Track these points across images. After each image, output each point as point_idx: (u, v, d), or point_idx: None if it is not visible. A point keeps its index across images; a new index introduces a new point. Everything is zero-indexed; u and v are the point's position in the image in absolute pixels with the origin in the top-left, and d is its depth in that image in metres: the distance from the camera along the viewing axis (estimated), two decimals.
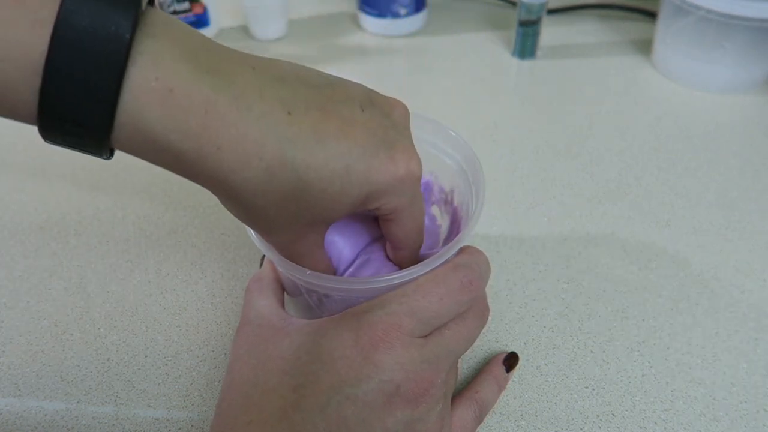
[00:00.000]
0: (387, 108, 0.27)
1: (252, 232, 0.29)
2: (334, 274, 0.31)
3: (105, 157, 0.23)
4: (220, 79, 0.22)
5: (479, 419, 0.31)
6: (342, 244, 0.31)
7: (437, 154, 0.35)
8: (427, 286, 0.27)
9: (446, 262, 0.28)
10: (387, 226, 0.28)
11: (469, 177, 0.33)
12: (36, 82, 0.20)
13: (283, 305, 0.31)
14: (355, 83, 0.27)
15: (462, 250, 0.29)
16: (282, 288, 0.32)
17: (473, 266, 0.28)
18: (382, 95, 0.27)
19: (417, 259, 0.31)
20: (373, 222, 0.32)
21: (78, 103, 0.20)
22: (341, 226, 0.31)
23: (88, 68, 0.20)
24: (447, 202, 0.36)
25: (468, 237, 0.29)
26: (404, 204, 0.27)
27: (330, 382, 0.25)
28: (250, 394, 0.26)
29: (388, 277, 0.27)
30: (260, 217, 0.24)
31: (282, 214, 0.24)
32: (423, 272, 0.27)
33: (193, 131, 0.21)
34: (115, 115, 0.21)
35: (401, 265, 0.31)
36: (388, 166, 0.25)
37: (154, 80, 0.20)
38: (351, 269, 0.31)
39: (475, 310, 0.29)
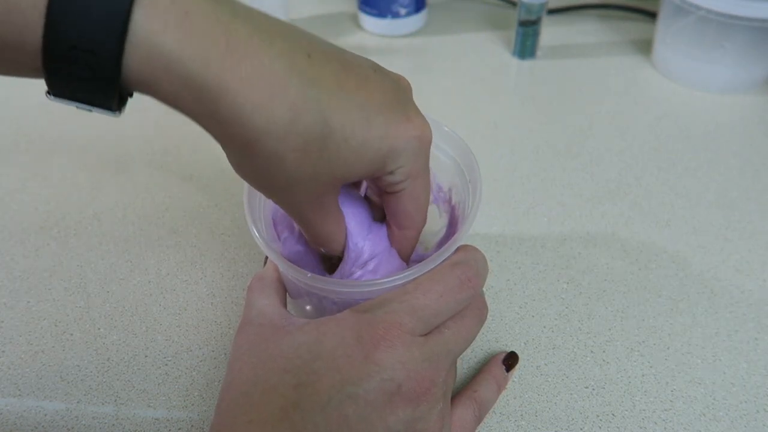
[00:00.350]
0: (394, 76, 0.27)
1: (255, 232, 0.29)
2: (346, 244, 0.30)
3: (114, 105, 0.21)
4: (238, 10, 0.21)
5: (479, 419, 0.31)
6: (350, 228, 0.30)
7: (434, 152, 0.35)
8: (426, 284, 0.27)
9: (445, 260, 0.28)
10: (395, 201, 0.28)
11: (467, 175, 0.33)
12: (41, 2, 0.18)
13: (284, 305, 0.31)
14: (386, 73, 0.27)
15: (459, 248, 0.29)
16: (284, 288, 0.32)
17: (471, 264, 0.28)
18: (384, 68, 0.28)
19: (417, 242, 0.31)
20: (371, 209, 0.32)
21: (86, 22, 0.19)
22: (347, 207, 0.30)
23: None
24: (445, 200, 0.36)
25: (465, 235, 0.29)
26: (418, 169, 0.26)
27: (331, 381, 0.25)
28: (251, 393, 0.26)
29: (387, 279, 0.27)
30: (277, 170, 0.23)
31: (301, 167, 0.23)
32: (422, 272, 0.27)
33: (215, 60, 0.20)
34: (127, 34, 0.19)
35: (404, 249, 0.31)
36: (406, 125, 0.25)
37: (168, 0, 0.19)
38: (360, 272, 0.30)
39: (473, 309, 0.29)
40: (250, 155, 0.22)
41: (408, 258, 0.32)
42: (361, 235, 0.30)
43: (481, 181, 0.31)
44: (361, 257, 0.30)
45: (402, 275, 0.27)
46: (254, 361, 0.27)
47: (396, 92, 0.26)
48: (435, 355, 0.26)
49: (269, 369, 0.26)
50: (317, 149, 0.22)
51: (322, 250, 0.30)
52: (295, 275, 0.27)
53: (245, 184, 0.31)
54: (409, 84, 0.28)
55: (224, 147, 0.23)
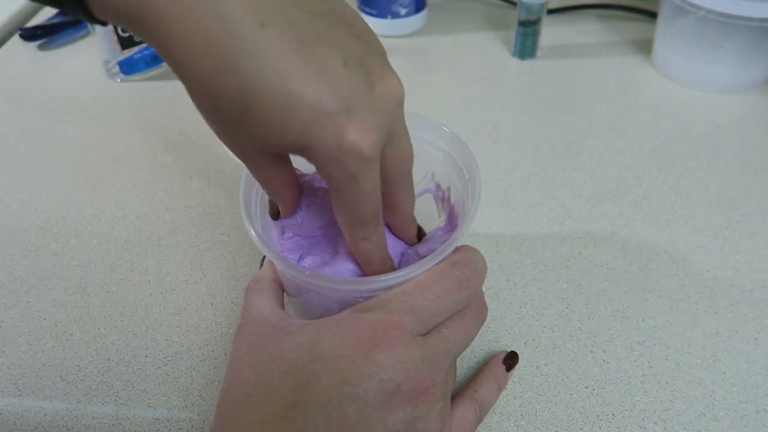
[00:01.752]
0: (377, 78, 0.24)
1: (252, 231, 0.29)
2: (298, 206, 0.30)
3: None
4: None
5: (479, 418, 0.31)
6: None
7: (433, 152, 0.35)
8: (424, 284, 0.27)
9: (443, 260, 0.28)
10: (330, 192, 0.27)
11: (466, 174, 0.33)
12: None
13: (283, 306, 0.30)
14: (365, 29, 0.25)
15: (458, 248, 0.29)
16: (282, 288, 0.32)
17: (470, 263, 0.28)
18: (381, 63, 0.25)
19: (415, 223, 0.31)
20: None
21: None
22: None
23: None
24: (444, 200, 0.36)
25: (464, 235, 0.29)
26: (340, 179, 0.24)
27: (330, 382, 0.25)
28: (251, 395, 0.26)
29: (386, 277, 0.27)
30: (211, 118, 0.23)
31: (226, 125, 0.23)
32: (420, 271, 0.27)
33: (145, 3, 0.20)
34: None
35: (401, 230, 0.30)
36: (334, 131, 0.22)
37: None
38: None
39: (472, 308, 0.29)
40: (192, 94, 0.23)
41: (412, 238, 0.32)
42: None
43: (481, 181, 0.31)
44: None
45: (401, 273, 0.27)
46: (254, 362, 0.27)
47: (358, 95, 0.23)
48: (434, 355, 0.26)
49: (269, 370, 0.26)
50: (238, 115, 0.22)
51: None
52: (294, 273, 0.27)
53: (241, 186, 0.31)
54: (398, 90, 0.25)
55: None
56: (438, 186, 0.36)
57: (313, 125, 0.22)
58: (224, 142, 0.25)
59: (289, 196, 0.29)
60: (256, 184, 0.33)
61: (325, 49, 0.22)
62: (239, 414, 0.25)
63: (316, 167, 0.24)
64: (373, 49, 0.25)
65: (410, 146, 0.27)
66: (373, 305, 0.27)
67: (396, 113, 0.25)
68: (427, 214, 0.37)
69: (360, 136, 0.23)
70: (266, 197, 0.32)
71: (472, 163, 0.32)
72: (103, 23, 0.23)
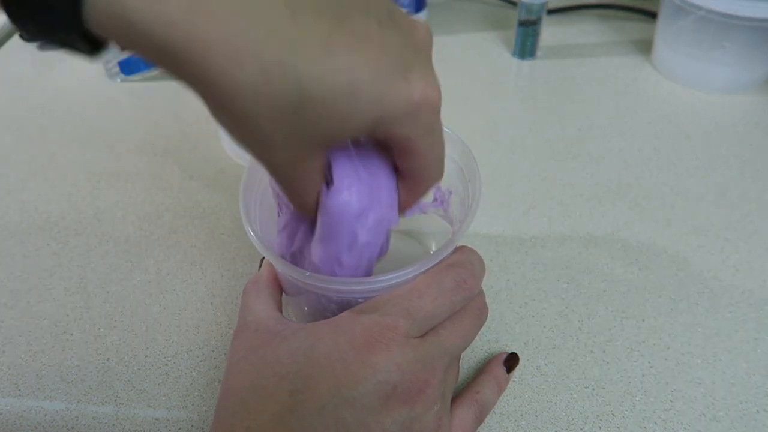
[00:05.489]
0: (407, 27, 0.24)
1: (251, 233, 0.29)
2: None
3: (86, 48, 0.20)
4: None
5: (479, 420, 0.31)
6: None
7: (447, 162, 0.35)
8: (420, 286, 0.27)
9: (441, 261, 0.28)
10: (402, 158, 0.26)
11: (466, 175, 0.33)
12: None
13: (280, 308, 0.30)
14: None
15: (457, 249, 0.29)
16: (280, 290, 0.31)
17: (466, 265, 0.28)
18: (405, 14, 0.24)
19: (421, 196, 0.29)
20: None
21: None
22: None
23: None
24: (444, 200, 0.36)
25: (463, 235, 0.29)
26: (418, 134, 0.24)
27: (327, 386, 0.25)
28: (247, 400, 0.26)
29: (385, 277, 0.27)
30: (253, 129, 0.22)
31: (278, 128, 0.22)
32: (419, 272, 0.27)
33: (177, 22, 0.18)
34: None
35: (404, 202, 0.28)
36: (402, 91, 0.22)
37: None
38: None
39: (471, 309, 0.29)
40: (223, 111, 0.22)
41: (405, 209, 0.29)
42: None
43: (480, 182, 0.31)
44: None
45: (398, 274, 0.27)
46: (250, 367, 0.27)
47: (402, 50, 0.23)
48: (430, 356, 0.26)
49: (265, 375, 0.26)
50: (294, 113, 0.21)
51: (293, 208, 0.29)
52: (293, 273, 0.27)
53: (240, 186, 0.31)
54: (428, 33, 0.25)
55: (201, 99, 0.22)
56: (438, 188, 0.36)
57: (381, 96, 0.22)
58: (267, 147, 0.23)
59: (317, 191, 0.27)
60: (256, 186, 0.33)
61: (358, 17, 0.22)
62: (236, 420, 0.25)
63: (389, 136, 0.23)
64: (388, 1, 0.24)
65: (438, 146, 0.26)
66: (368, 308, 0.26)
67: (430, 54, 0.25)
68: (428, 217, 0.37)
69: (424, 86, 0.23)
70: (266, 199, 0.32)
71: (473, 165, 0.32)
72: (97, 51, 0.21)
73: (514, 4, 0.71)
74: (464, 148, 0.33)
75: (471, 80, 0.60)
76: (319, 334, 0.26)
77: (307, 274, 0.27)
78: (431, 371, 0.26)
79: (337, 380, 0.24)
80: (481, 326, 0.29)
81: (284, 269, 0.28)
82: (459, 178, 0.33)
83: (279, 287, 0.32)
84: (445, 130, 0.33)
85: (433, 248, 0.42)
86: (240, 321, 0.30)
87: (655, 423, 0.33)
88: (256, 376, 0.26)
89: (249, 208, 0.31)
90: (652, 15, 0.66)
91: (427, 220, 0.39)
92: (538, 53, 0.63)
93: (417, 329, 0.26)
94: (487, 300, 0.37)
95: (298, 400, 0.25)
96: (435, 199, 0.37)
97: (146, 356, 0.37)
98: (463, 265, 0.28)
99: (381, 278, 0.27)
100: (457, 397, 0.31)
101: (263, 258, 0.32)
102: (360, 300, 0.28)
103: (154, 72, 0.62)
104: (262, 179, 0.34)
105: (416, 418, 0.25)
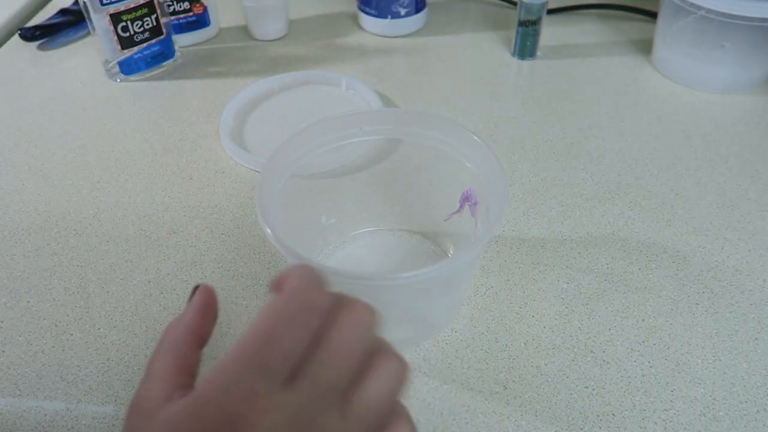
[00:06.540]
0: None
1: (268, 230, 0.29)
2: None
3: None
4: None
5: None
6: None
7: (463, 162, 0.36)
8: (265, 329, 0.22)
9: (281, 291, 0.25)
10: None
11: (491, 183, 0.33)
12: None
13: (190, 371, 0.25)
14: None
15: (286, 277, 0.25)
16: (199, 343, 0.26)
17: (293, 286, 0.24)
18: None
19: None
20: None
21: None
22: None
23: None
24: (473, 204, 0.37)
25: (489, 236, 0.30)
26: None
27: None
28: None
29: (409, 274, 0.27)
30: None
31: None
32: (442, 270, 0.28)
33: None
34: None
35: None
36: None
37: None
38: None
39: (336, 331, 0.23)
40: None
41: None
42: None
43: (507, 187, 0.32)
44: None
45: (423, 271, 0.27)
46: None
47: None
48: (312, 402, 0.21)
49: None
50: None
51: None
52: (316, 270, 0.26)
53: (258, 185, 0.31)
54: None
55: None
56: (468, 194, 0.37)
57: None
58: None
59: None
60: (272, 183, 0.33)
61: None
62: None
63: None
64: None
65: None
66: (213, 383, 0.22)
67: None
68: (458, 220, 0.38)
69: None
70: (284, 197, 0.32)
71: (499, 170, 0.32)
72: None
73: (514, 4, 0.71)
74: (491, 156, 0.33)
75: (471, 80, 0.60)
76: (176, 422, 0.22)
77: (329, 268, 0.27)
78: (321, 412, 0.21)
79: None
80: (365, 326, 0.23)
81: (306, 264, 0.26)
82: (487, 184, 0.34)
83: (200, 337, 0.26)
84: (476, 138, 0.34)
85: (451, 251, 0.42)
86: (137, 391, 0.24)
87: (655, 423, 0.33)
88: None
89: (265, 205, 0.31)
90: (652, 15, 0.66)
91: (446, 223, 0.40)
92: (538, 53, 0.63)
93: (277, 378, 0.21)
94: (488, 300, 0.37)
95: None
96: (469, 200, 0.38)
97: (146, 356, 0.37)
98: (290, 289, 0.24)
99: (405, 275, 0.27)
100: None
101: (194, 289, 0.27)
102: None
103: (154, 72, 0.62)
104: (280, 177, 0.34)
105: None
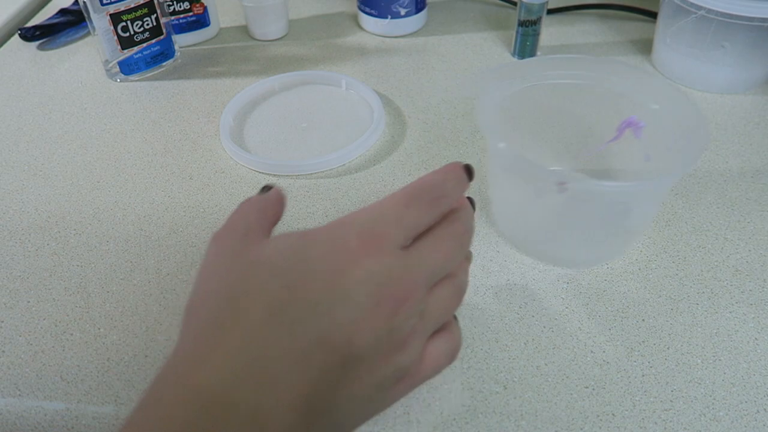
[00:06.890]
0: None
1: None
2: None
3: None
4: None
5: (459, 296, 0.29)
6: None
7: (652, 106, 0.41)
8: (403, 199, 0.27)
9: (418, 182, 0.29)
10: None
11: (682, 124, 0.38)
12: None
13: (269, 232, 0.30)
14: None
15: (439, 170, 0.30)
16: (279, 217, 0.31)
17: (439, 184, 0.28)
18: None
19: None
20: None
21: None
22: None
23: None
24: (636, 128, 0.42)
25: (684, 171, 0.35)
26: None
27: (321, 284, 0.25)
28: (237, 299, 0.25)
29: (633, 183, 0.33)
30: None
31: None
32: (657, 183, 0.34)
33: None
34: None
35: None
36: None
37: None
38: None
39: (452, 231, 0.28)
40: None
41: None
42: None
43: (708, 131, 0.35)
44: None
45: (642, 183, 0.33)
46: (237, 266, 0.26)
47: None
48: (414, 268, 0.26)
49: (252, 275, 0.26)
50: None
51: None
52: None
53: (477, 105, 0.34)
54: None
55: None
56: (630, 120, 0.41)
57: None
58: None
59: None
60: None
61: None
62: (226, 318, 0.25)
63: None
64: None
65: None
66: (360, 216, 0.27)
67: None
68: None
69: None
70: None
71: (696, 113, 0.37)
72: None
73: (514, 4, 0.71)
74: (688, 104, 0.38)
75: (471, 80, 0.60)
76: (313, 236, 0.26)
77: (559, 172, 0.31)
78: (413, 283, 0.26)
79: (332, 279, 0.25)
80: (463, 250, 0.29)
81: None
82: (673, 127, 0.38)
83: (278, 216, 0.31)
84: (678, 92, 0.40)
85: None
86: (228, 222, 0.29)
87: (655, 423, 0.33)
88: (243, 276, 0.26)
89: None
90: (652, 15, 0.66)
91: (631, 161, 0.43)
92: (538, 53, 0.63)
93: (404, 238, 0.27)
94: (488, 300, 0.37)
95: (291, 295, 0.24)
96: (633, 125, 0.41)
97: (146, 356, 0.37)
98: (437, 184, 0.28)
99: (631, 183, 0.33)
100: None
101: (265, 187, 0.31)
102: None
103: (154, 72, 0.62)
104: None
105: (396, 328, 0.25)
